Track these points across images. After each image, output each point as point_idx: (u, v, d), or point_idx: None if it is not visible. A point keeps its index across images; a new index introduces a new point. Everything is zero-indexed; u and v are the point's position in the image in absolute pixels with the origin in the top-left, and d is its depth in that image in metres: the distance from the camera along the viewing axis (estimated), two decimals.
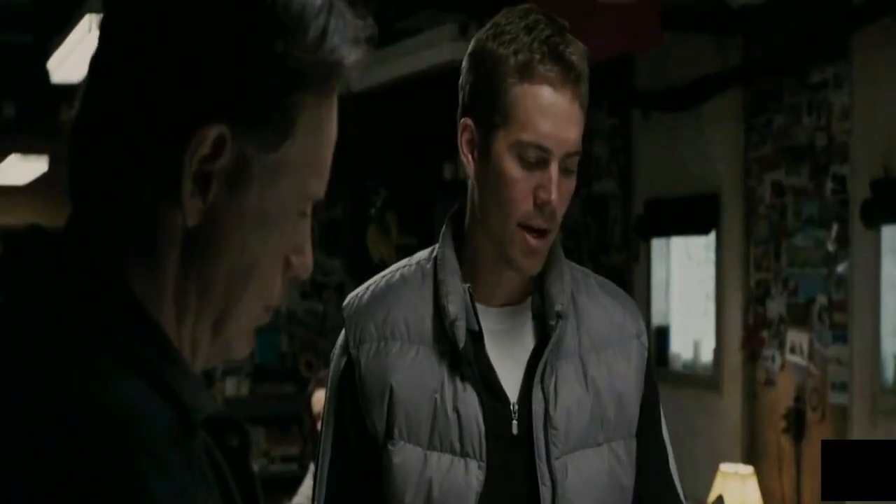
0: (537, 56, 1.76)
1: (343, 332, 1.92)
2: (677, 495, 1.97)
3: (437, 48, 5.05)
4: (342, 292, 8.32)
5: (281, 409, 7.98)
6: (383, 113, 7.48)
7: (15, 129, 8.06)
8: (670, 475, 1.96)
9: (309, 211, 1.03)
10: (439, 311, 1.84)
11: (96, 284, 0.97)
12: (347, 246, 8.50)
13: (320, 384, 5.27)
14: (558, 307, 1.85)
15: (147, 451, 0.89)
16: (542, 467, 1.81)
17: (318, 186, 1.02)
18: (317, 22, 0.97)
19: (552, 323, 1.84)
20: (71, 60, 5.18)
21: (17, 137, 8.16)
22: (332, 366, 1.93)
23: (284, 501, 5.21)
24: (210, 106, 0.95)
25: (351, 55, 0.99)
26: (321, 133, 1.01)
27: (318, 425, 2.00)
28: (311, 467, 4.67)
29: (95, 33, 1.01)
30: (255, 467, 1.06)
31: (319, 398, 5.16)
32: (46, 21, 5.89)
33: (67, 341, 0.93)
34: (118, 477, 0.87)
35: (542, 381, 1.84)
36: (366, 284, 1.94)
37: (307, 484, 4.84)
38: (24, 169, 8.67)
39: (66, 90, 6.30)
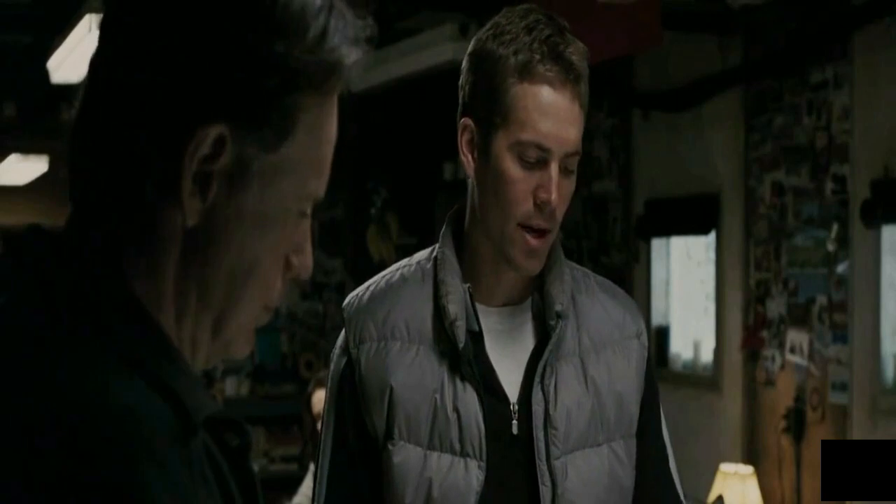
0: (537, 56, 1.76)
1: (343, 332, 1.91)
2: (678, 496, 1.97)
3: (437, 48, 5.05)
4: (342, 292, 8.32)
5: (281, 409, 7.98)
6: (383, 113, 7.48)
7: (15, 129, 8.06)
8: (670, 475, 1.96)
9: (309, 211, 1.03)
10: (439, 312, 1.84)
11: (96, 284, 0.97)
12: (348, 246, 8.51)
13: (320, 384, 5.27)
14: (558, 307, 1.84)
15: (147, 451, 0.89)
16: (542, 467, 1.81)
17: (318, 186, 1.02)
18: (317, 22, 0.97)
19: (552, 323, 1.84)
20: (71, 60, 5.18)
21: (17, 137, 8.16)
22: (332, 366, 1.92)
23: (285, 501, 5.21)
24: (210, 106, 0.95)
25: (351, 55, 0.99)
26: (321, 133, 1.01)
27: (319, 425, 1.99)
28: (312, 467, 4.67)
29: (96, 33, 1.01)
30: (255, 467, 1.06)
31: (319, 398, 5.15)
32: (46, 21, 5.89)
33: (67, 341, 0.93)
34: (118, 477, 0.87)
35: (542, 381, 1.83)
36: (366, 284, 1.94)
37: (307, 484, 4.84)
38: (23, 169, 8.67)
39: (66, 90, 6.29)
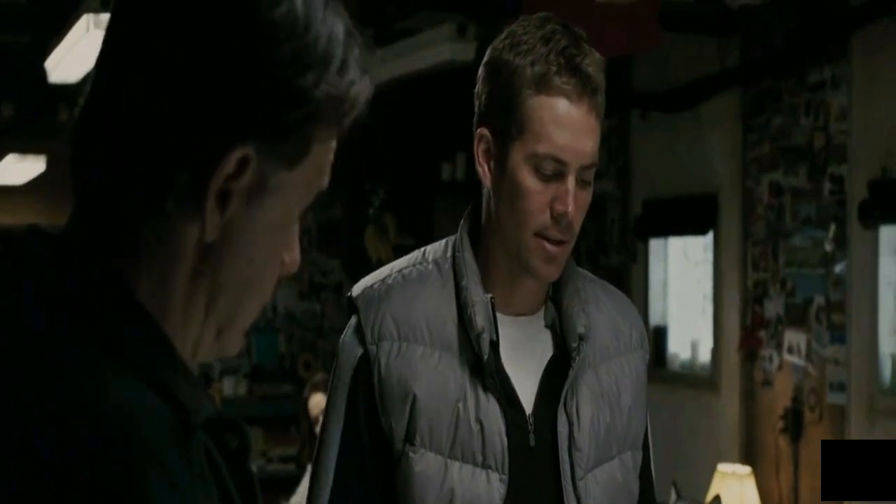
0: (554, 68, 1.75)
1: (354, 320, 1.86)
2: (655, 499, 2.01)
3: (435, 49, 5.05)
4: (340, 292, 8.32)
5: (279, 409, 7.98)
6: (382, 113, 7.47)
7: (13, 129, 8.06)
8: (652, 480, 1.99)
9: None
10: (462, 319, 1.82)
11: (97, 285, 0.97)
12: (345, 246, 8.51)
13: (316, 388, 5.28)
14: (580, 329, 1.84)
15: (147, 452, 0.89)
16: (567, 489, 1.81)
17: (314, 194, 1.05)
18: (340, 52, 1.00)
19: (574, 345, 1.83)
20: (69, 60, 5.17)
21: (15, 137, 8.16)
22: (342, 354, 1.87)
23: (282, 501, 5.21)
24: (239, 130, 0.97)
25: (363, 91, 1.03)
26: (329, 155, 1.04)
27: (316, 429, 1.96)
28: (309, 467, 4.66)
29: (94, 33, 1.02)
30: (254, 468, 1.06)
31: (316, 402, 5.16)
32: (44, 21, 5.88)
33: (67, 342, 0.93)
34: (118, 478, 0.87)
35: (565, 404, 1.83)
36: (377, 276, 1.90)
37: (305, 484, 4.84)
38: (21, 169, 8.68)
39: (64, 90, 6.30)
